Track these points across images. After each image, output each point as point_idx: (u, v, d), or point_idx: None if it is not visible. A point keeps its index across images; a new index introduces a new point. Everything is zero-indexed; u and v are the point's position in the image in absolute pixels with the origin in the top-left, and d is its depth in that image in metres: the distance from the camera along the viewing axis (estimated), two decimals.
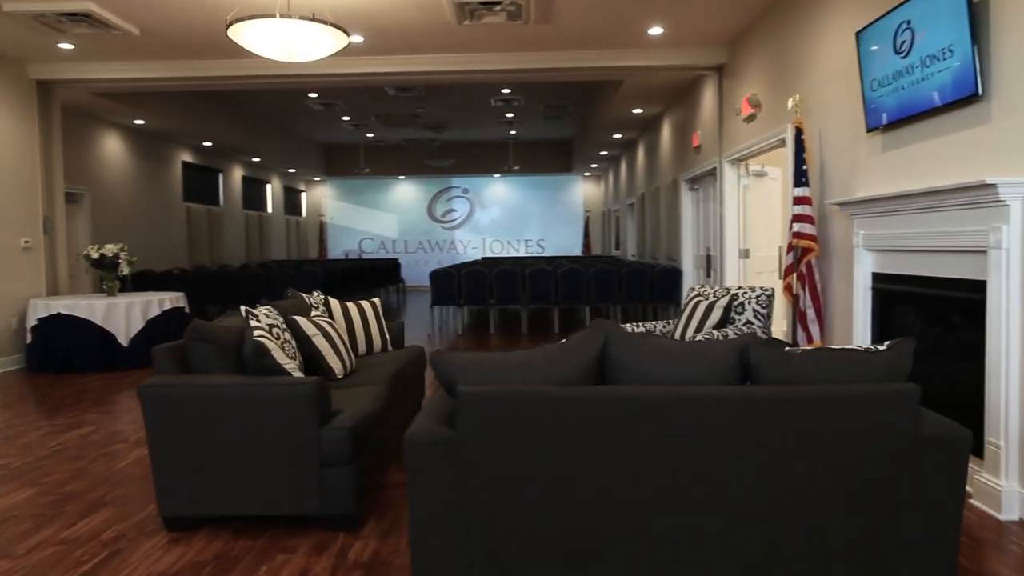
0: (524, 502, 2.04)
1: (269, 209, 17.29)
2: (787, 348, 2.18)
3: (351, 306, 4.81)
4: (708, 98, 7.92)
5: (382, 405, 3.41)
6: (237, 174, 15.32)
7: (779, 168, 7.03)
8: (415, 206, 20.21)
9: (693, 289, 5.33)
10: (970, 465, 2.80)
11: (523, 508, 2.04)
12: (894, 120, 3.83)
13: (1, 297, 7.12)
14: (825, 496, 2.01)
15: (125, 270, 7.44)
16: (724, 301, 4.81)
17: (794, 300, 4.96)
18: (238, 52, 7.23)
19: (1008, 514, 2.97)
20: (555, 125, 16.18)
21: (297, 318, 3.90)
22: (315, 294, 4.90)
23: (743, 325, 4.81)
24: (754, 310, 4.82)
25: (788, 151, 5.35)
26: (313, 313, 4.25)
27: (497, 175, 19.66)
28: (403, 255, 20.03)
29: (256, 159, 15.47)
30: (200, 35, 6.59)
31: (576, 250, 19.82)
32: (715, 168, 7.56)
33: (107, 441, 4.46)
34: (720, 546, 2.03)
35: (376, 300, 5.00)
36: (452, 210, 20.23)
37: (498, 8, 5.81)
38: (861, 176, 4.33)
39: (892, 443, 2.00)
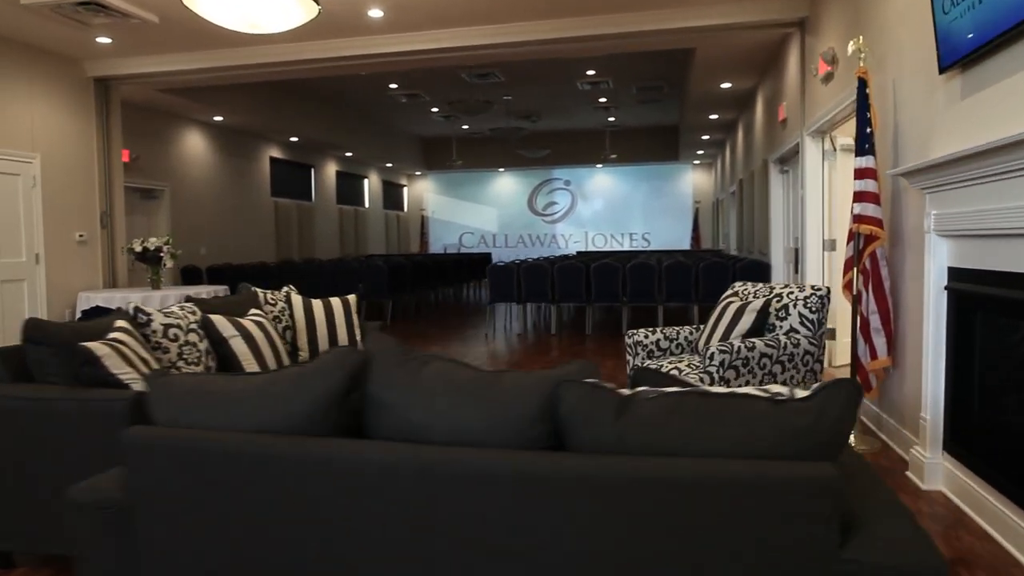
0: None
1: (366, 204, 17.39)
2: (630, 390, 1.34)
3: (317, 304, 4.27)
4: (792, 62, 6.71)
5: None
6: (330, 169, 15.46)
7: None
8: (515, 199, 19.69)
9: (733, 287, 4.34)
10: None
11: None
12: (974, 48, 2.71)
13: (57, 289, 7.27)
14: None
15: (169, 263, 7.39)
16: (758, 304, 3.81)
17: (855, 303, 3.86)
18: (271, 39, 6.96)
19: None
20: (654, 110, 15.03)
21: (214, 317, 3.40)
22: (284, 289, 4.41)
23: (785, 334, 3.80)
24: (800, 315, 3.80)
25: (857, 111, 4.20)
26: (251, 312, 3.74)
27: (599, 165, 18.71)
28: (503, 249, 19.58)
29: (349, 154, 15.54)
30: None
31: (685, 244, 18.50)
32: (799, 144, 6.37)
33: None
34: None
35: (351, 297, 4.43)
36: (553, 203, 19.52)
37: None
38: (936, 136, 3.20)
39: (794, 568, 1.13)
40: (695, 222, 18.39)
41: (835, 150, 5.94)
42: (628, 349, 4.14)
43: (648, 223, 18.96)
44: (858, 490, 1.35)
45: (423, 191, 20.25)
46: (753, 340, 3.58)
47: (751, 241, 9.96)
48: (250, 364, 3.36)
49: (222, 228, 11.60)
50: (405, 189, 20.16)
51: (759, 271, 7.97)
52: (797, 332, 3.78)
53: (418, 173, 19.93)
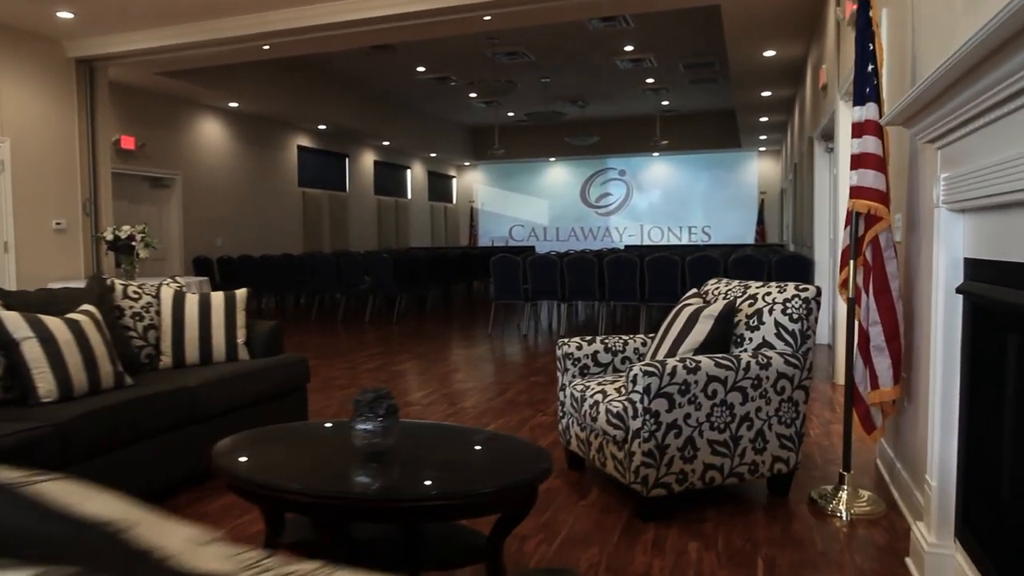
0: None
1: (408, 195, 16.86)
2: None
3: (192, 300, 3.57)
4: (831, 15, 5.56)
5: None
6: (367, 159, 14.98)
7: None
8: (567, 190, 18.74)
9: (705, 285, 3.39)
10: None
11: None
12: None
13: (30, 279, 6.94)
14: None
15: (142, 253, 6.93)
16: (717, 308, 2.86)
17: (852, 308, 2.83)
18: (246, 7, 6.38)
19: None
20: (710, 92, 13.77)
21: (6, 314, 2.74)
22: (169, 280, 3.75)
23: (754, 350, 2.82)
24: (777, 323, 2.82)
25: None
26: (80, 308, 3.06)
27: (655, 154, 17.51)
28: (552, 243, 18.68)
29: (386, 143, 15.01)
30: None
31: (748, 238, 17.06)
32: (836, 110, 5.23)
33: None
34: None
35: (240, 292, 3.72)
36: (607, 194, 18.46)
37: None
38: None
39: None
40: (760, 214, 16.93)
41: None
42: (558, 363, 3.24)
43: (709, 216, 17.62)
44: None
45: (472, 182, 19.58)
46: (699, 358, 2.62)
47: (802, 233, 8.73)
48: (43, 374, 2.68)
49: (242, 218, 11.25)
50: (454, 180, 19.55)
51: (797, 268, 6.80)
52: (770, 347, 2.79)
53: (467, 164, 19.28)
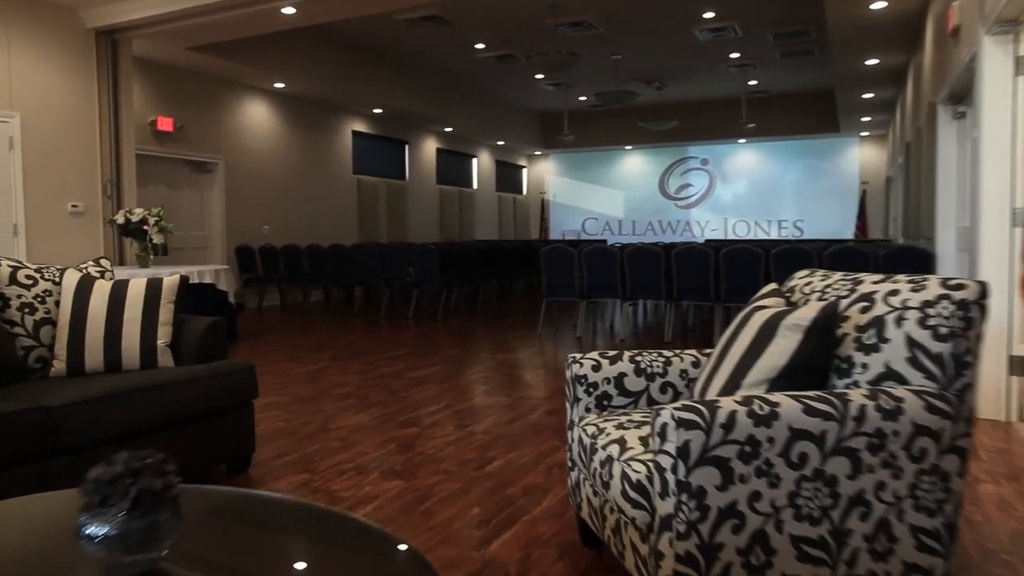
0: None
1: (474, 185, 16.04)
2: None
3: (102, 288, 2.77)
4: None
5: None
6: (429, 146, 14.24)
7: None
8: (645, 181, 17.48)
9: (791, 279, 2.31)
10: None
11: None
12: None
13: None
14: None
15: (156, 238, 6.33)
16: (808, 314, 1.78)
17: None
18: None
19: None
20: (804, 67, 12.28)
21: None
22: (86, 265, 2.98)
23: (876, 382, 1.74)
24: (911, 340, 1.72)
25: None
26: None
27: (741, 140, 16.01)
28: (629, 237, 17.47)
29: (449, 129, 14.23)
30: None
31: (847, 232, 15.36)
32: (975, 56, 3.96)
33: None
34: None
35: (170, 279, 2.89)
36: (688, 185, 17.09)
37: None
38: None
39: None
40: (861, 207, 15.18)
41: None
42: (567, 389, 2.24)
43: (802, 209, 15.98)
44: None
45: (544, 172, 18.59)
46: (776, 397, 1.57)
47: (916, 223, 7.30)
48: None
49: (291, 206, 10.69)
50: (524, 170, 18.62)
51: (913, 263, 5.48)
52: (900, 380, 1.70)
53: (538, 152, 18.31)
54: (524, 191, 18.62)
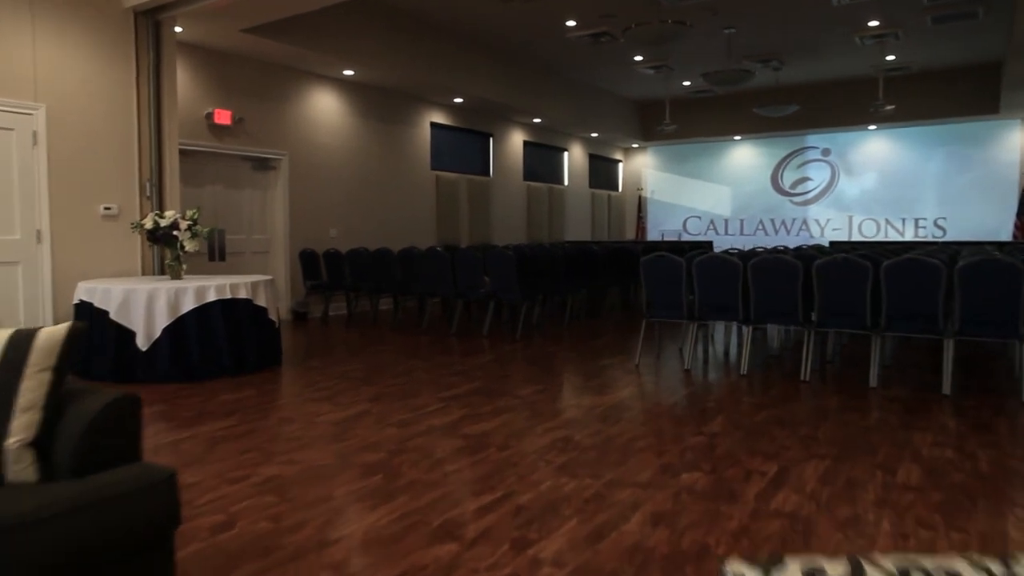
0: None
1: (565, 181, 14.78)
2: None
3: None
4: None
5: None
6: (515, 139, 13.10)
7: None
8: (755, 175, 15.68)
9: None
10: None
11: None
12: None
13: (68, 274, 5.74)
14: None
15: (189, 245, 5.47)
16: None
17: None
18: None
19: None
20: (960, 37, 10.29)
21: None
22: None
23: None
24: None
25: None
26: None
27: (871, 127, 13.97)
28: (736, 238, 15.75)
29: (537, 120, 13.03)
30: None
31: (1002, 234, 13.08)
32: None
33: None
34: None
35: (53, 332, 1.81)
36: (806, 179, 15.16)
37: None
38: None
39: None
40: (1021, 203, 12.86)
41: None
42: None
43: (944, 205, 13.77)
44: None
45: (641, 167, 17.10)
46: None
47: None
48: None
49: (362, 206, 9.80)
50: (619, 165, 17.18)
51: None
52: None
53: (635, 145, 16.83)
54: (620, 187, 17.19)
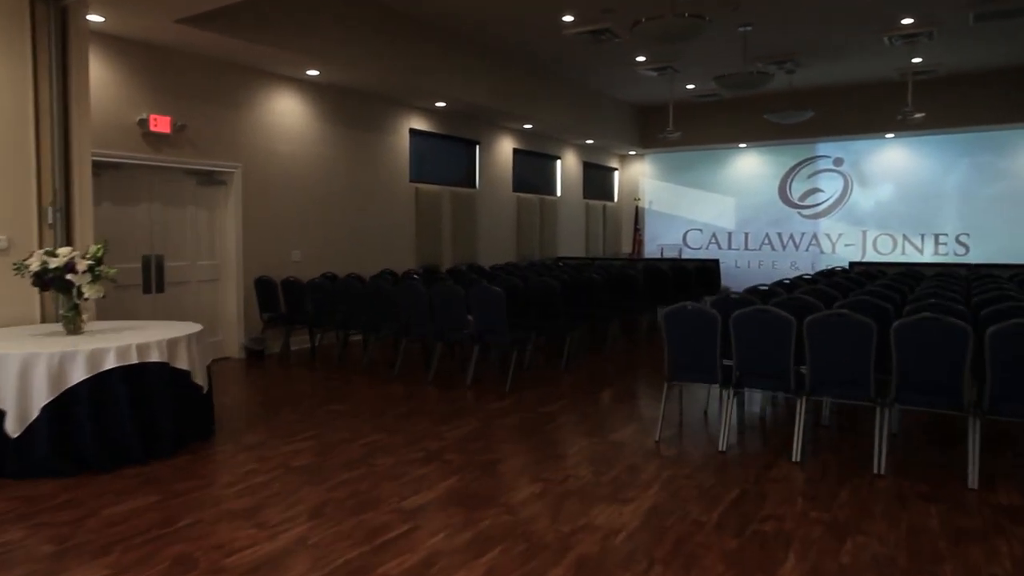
0: None
1: (558, 192, 13.64)
2: None
3: None
4: None
5: None
6: (504, 146, 11.95)
7: None
8: (761, 185, 14.61)
9: None
10: None
11: None
12: None
13: None
14: None
15: (89, 291, 4.28)
16: None
17: None
18: None
19: None
20: (998, 38, 9.28)
21: None
22: None
23: None
24: None
25: None
26: None
27: (888, 135, 12.94)
28: (740, 252, 14.70)
29: (528, 126, 11.89)
30: None
31: None
32: None
33: None
34: None
35: None
36: (816, 190, 14.12)
37: None
38: None
39: None
40: None
41: None
42: None
43: (967, 220, 12.76)
44: None
45: (638, 175, 15.99)
46: None
47: None
48: None
49: (330, 225, 8.62)
50: (615, 173, 16.07)
51: None
52: None
53: (632, 153, 15.73)
54: (615, 198, 16.07)
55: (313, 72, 7.84)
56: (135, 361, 4.04)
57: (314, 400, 5.62)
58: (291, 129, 8.09)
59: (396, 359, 6.81)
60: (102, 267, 4.35)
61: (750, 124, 13.41)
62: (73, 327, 4.35)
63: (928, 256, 12.93)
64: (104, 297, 4.45)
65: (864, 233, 13.64)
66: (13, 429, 3.78)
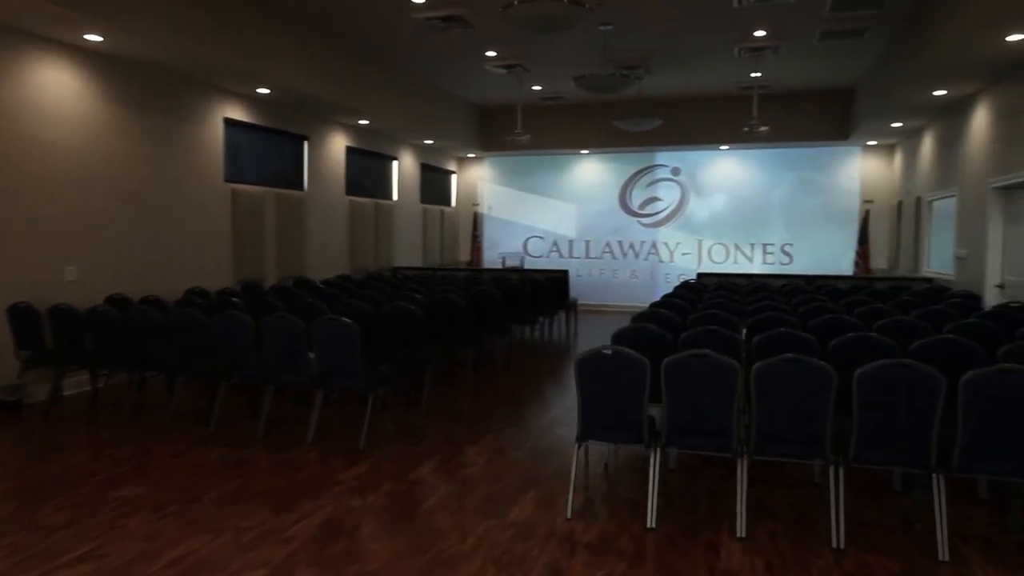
0: None
1: (394, 195, 12.46)
2: None
3: None
4: None
5: None
6: (336, 144, 10.57)
7: None
8: (602, 192, 14.43)
9: None
10: None
11: None
12: None
13: None
14: None
15: None
16: None
17: None
18: None
19: None
20: (836, 57, 9.55)
21: None
22: None
23: None
24: None
25: None
26: None
27: (723, 147, 13.25)
28: (582, 260, 14.41)
29: (364, 122, 10.63)
30: None
31: (843, 262, 12.86)
32: None
33: None
34: None
35: None
36: (655, 198, 14.17)
37: None
38: None
39: None
40: (863, 232, 12.71)
41: None
42: None
43: (792, 231, 13.37)
44: None
45: (477, 179, 15.22)
46: None
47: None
48: None
49: (120, 234, 6.84)
50: (453, 177, 15.17)
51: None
52: None
53: (471, 155, 14.91)
54: (453, 203, 15.17)
55: (94, 37, 6.09)
56: None
57: (95, 481, 4.09)
58: (62, 110, 6.25)
59: (212, 408, 5.33)
60: None
61: (594, 130, 13.11)
62: None
63: (757, 265, 13.39)
64: None
65: (700, 242, 13.89)
66: None
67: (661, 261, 14.07)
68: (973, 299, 7.21)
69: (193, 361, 5.27)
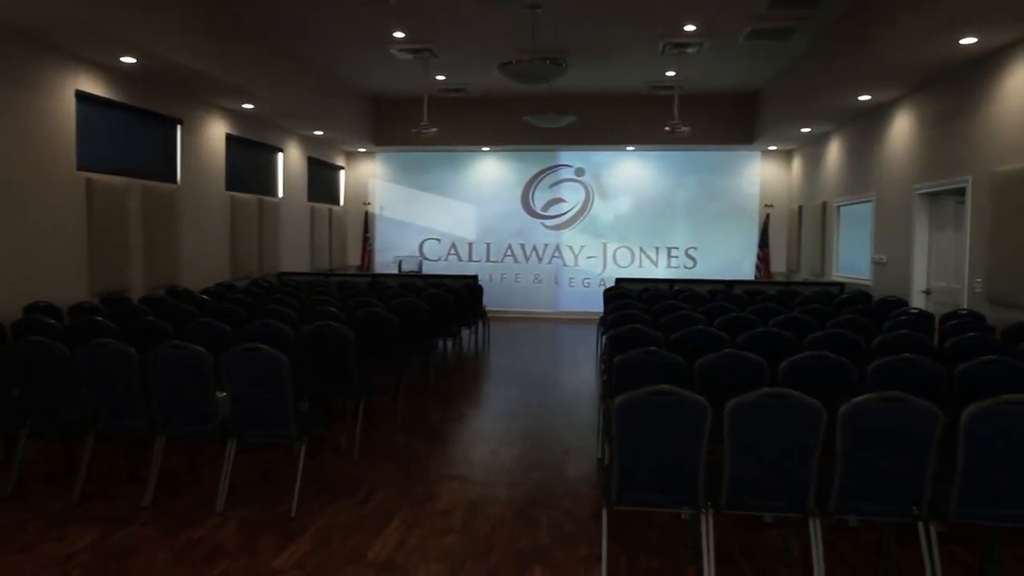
0: None
1: (280, 192, 11.06)
2: None
3: None
4: None
5: None
6: (214, 131, 9.09)
7: None
8: (503, 193, 13.69)
9: None
10: None
11: None
12: None
13: None
14: None
15: None
16: None
17: None
18: None
19: None
20: (743, 64, 9.39)
21: None
22: None
23: None
24: None
25: None
26: None
27: (629, 148, 12.92)
28: (482, 264, 13.58)
29: (248, 106, 9.22)
30: None
31: (745, 268, 12.90)
32: None
33: None
34: None
35: None
36: (559, 200, 13.61)
37: None
38: None
39: None
40: (763, 236, 12.81)
41: None
42: None
43: (695, 234, 13.28)
44: None
45: (367, 176, 14.00)
46: None
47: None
48: None
49: None
50: (342, 173, 13.86)
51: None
52: None
53: (362, 150, 13.68)
54: (342, 201, 13.86)
55: None
56: None
57: None
58: None
59: (78, 469, 4.00)
60: None
61: (498, 126, 12.34)
62: None
63: (662, 269, 13.18)
64: None
65: (605, 245, 13.48)
66: None
67: (565, 265, 13.54)
68: (902, 304, 7.13)
69: (47, 409, 3.92)
